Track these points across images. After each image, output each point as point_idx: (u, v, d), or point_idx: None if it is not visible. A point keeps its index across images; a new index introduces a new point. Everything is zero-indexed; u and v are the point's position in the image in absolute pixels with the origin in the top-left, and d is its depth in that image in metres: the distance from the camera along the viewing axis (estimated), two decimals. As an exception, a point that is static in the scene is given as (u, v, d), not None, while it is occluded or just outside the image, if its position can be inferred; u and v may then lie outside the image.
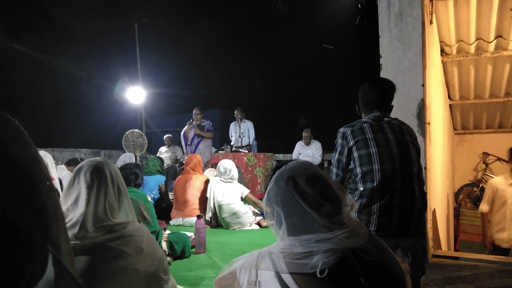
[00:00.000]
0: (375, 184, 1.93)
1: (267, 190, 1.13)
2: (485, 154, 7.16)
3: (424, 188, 2.17)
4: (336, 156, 2.16)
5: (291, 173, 1.10)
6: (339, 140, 2.12)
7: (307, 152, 7.31)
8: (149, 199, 3.08)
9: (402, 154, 1.97)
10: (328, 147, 7.36)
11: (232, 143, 7.58)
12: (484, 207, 4.10)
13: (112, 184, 1.46)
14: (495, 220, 4.05)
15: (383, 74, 3.22)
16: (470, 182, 7.18)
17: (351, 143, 2.05)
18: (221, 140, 10.37)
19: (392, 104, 2.17)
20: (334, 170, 2.17)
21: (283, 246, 1.04)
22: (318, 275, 0.95)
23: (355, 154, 2.03)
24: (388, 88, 2.16)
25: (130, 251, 1.36)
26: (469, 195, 6.72)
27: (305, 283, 0.96)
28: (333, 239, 1.00)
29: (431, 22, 3.53)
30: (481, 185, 6.65)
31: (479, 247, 5.45)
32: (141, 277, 1.36)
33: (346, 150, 2.09)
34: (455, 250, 5.53)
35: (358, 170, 2.01)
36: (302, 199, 1.05)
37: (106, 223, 1.37)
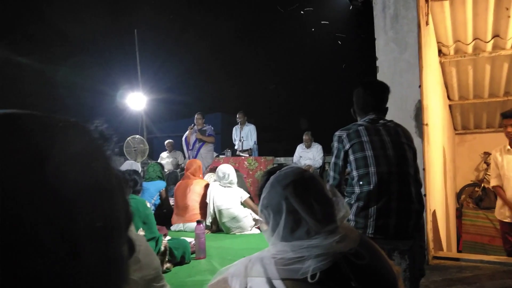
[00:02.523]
0: (371, 187, 1.93)
1: (262, 196, 1.13)
2: (486, 153, 7.13)
3: (422, 190, 2.17)
4: (333, 159, 2.16)
5: (287, 179, 1.10)
6: (335, 144, 2.13)
7: (308, 155, 7.30)
8: (149, 205, 3.09)
9: (397, 156, 1.97)
10: (329, 150, 7.33)
11: (235, 147, 7.60)
12: (492, 181, 3.97)
13: None
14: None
15: (380, 76, 3.22)
16: (472, 182, 7.15)
17: (347, 146, 2.05)
18: (222, 145, 10.39)
19: (387, 106, 2.17)
20: (331, 173, 2.18)
21: (275, 252, 1.04)
22: (309, 280, 0.95)
23: (351, 157, 2.03)
24: (382, 90, 2.16)
25: (126, 260, 1.36)
26: (471, 195, 6.70)
27: (296, 289, 0.97)
28: (324, 244, 1.00)
29: (427, 23, 3.54)
30: (482, 185, 6.62)
31: (482, 248, 5.44)
32: (137, 287, 1.37)
33: (342, 153, 2.09)
34: (458, 250, 5.51)
35: (355, 173, 2.01)
36: (299, 205, 1.05)
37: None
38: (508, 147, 3.73)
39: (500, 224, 3.93)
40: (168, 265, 2.88)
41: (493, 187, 4.02)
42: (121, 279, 0.42)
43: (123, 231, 0.43)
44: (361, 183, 1.98)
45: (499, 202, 3.88)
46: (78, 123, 0.42)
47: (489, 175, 6.74)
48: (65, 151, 0.38)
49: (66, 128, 0.40)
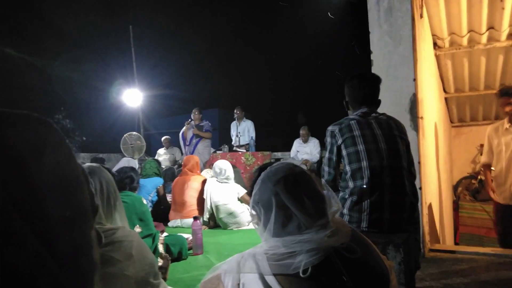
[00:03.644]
0: (364, 181, 1.93)
1: (253, 192, 1.13)
2: (483, 146, 7.15)
3: (417, 183, 2.18)
4: (327, 154, 2.16)
5: (277, 175, 1.10)
6: (328, 139, 2.13)
7: (305, 149, 7.31)
8: (145, 202, 3.08)
9: (390, 149, 1.97)
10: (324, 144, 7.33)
11: (232, 143, 7.60)
12: (483, 158, 3.86)
13: (101, 192, 1.47)
14: (494, 174, 3.68)
15: (374, 69, 3.22)
16: (469, 174, 7.17)
17: (340, 141, 2.05)
18: (220, 140, 10.39)
19: (379, 98, 2.17)
20: (326, 168, 2.18)
21: (267, 248, 1.04)
22: (301, 274, 0.96)
23: (344, 152, 2.04)
24: (374, 83, 2.15)
25: (119, 257, 1.36)
26: (467, 187, 6.71)
27: (288, 284, 0.97)
28: (315, 238, 1.01)
29: (421, 16, 3.53)
30: (479, 177, 6.64)
31: (479, 240, 5.47)
32: (131, 283, 1.37)
33: (335, 148, 2.09)
34: (455, 243, 5.54)
35: (348, 168, 2.02)
36: (289, 200, 1.05)
37: (94, 230, 1.37)
38: (507, 126, 3.48)
39: (498, 207, 3.72)
40: (163, 261, 2.87)
41: (483, 165, 3.92)
42: (90, 265, 0.43)
43: (90, 221, 0.45)
44: (354, 177, 1.99)
45: (494, 181, 3.74)
46: (40, 118, 0.43)
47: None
48: (31, 146, 0.39)
49: (30, 123, 0.41)
